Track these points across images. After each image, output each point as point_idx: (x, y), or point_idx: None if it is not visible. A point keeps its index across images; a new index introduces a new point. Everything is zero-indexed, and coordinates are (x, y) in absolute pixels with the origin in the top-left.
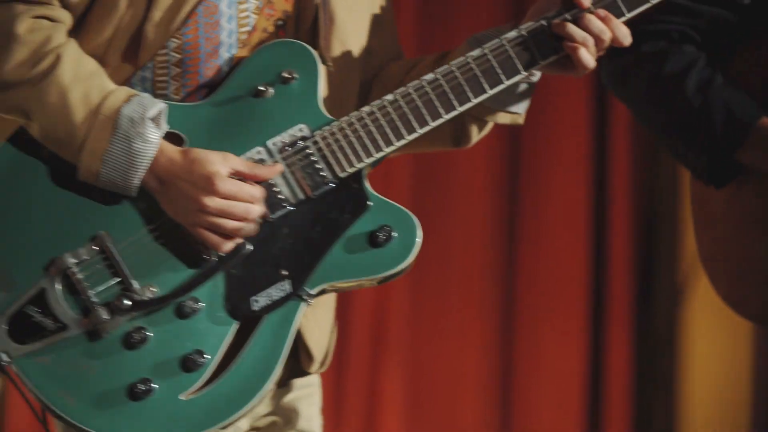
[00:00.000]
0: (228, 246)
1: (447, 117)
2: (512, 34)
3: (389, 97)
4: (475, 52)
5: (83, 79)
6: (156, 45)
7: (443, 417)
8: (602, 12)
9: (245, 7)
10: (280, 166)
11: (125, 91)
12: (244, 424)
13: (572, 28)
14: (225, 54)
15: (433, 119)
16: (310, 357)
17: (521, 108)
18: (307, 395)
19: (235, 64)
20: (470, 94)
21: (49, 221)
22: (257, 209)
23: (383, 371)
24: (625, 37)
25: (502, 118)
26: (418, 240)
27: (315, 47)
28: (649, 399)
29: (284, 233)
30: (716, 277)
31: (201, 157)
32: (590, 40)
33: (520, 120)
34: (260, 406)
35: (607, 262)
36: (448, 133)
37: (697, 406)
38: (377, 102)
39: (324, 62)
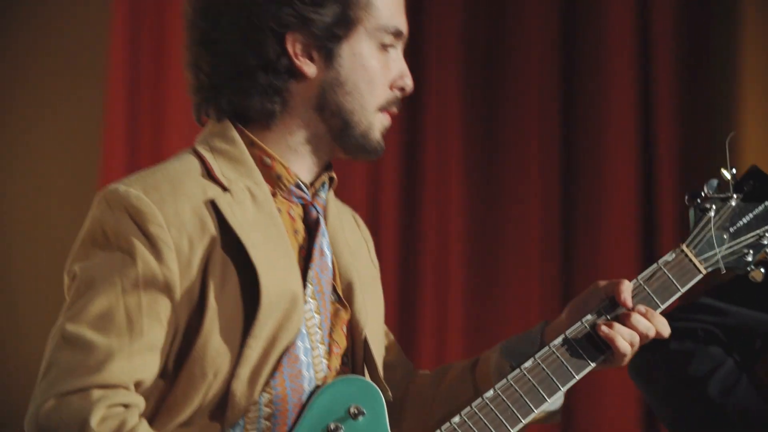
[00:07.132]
0: None
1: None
2: (558, 340)
3: (456, 419)
4: (528, 363)
5: None
6: (245, 402)
7: None
8: (642, 308)
9: (318, 353)
10: None
11: None
12: None
13: (620, 329)
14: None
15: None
16: None
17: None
18: None
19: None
20: (531, 405)
21: None
22: None
23: None
24: (665, 328)
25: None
26: None
27: (371, 377)
28: None
29: None
30: None
31: None
32: (636, 339)
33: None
34: None
35: None
36: None
37: None
38: (456, 419)
39: (385, 395)
